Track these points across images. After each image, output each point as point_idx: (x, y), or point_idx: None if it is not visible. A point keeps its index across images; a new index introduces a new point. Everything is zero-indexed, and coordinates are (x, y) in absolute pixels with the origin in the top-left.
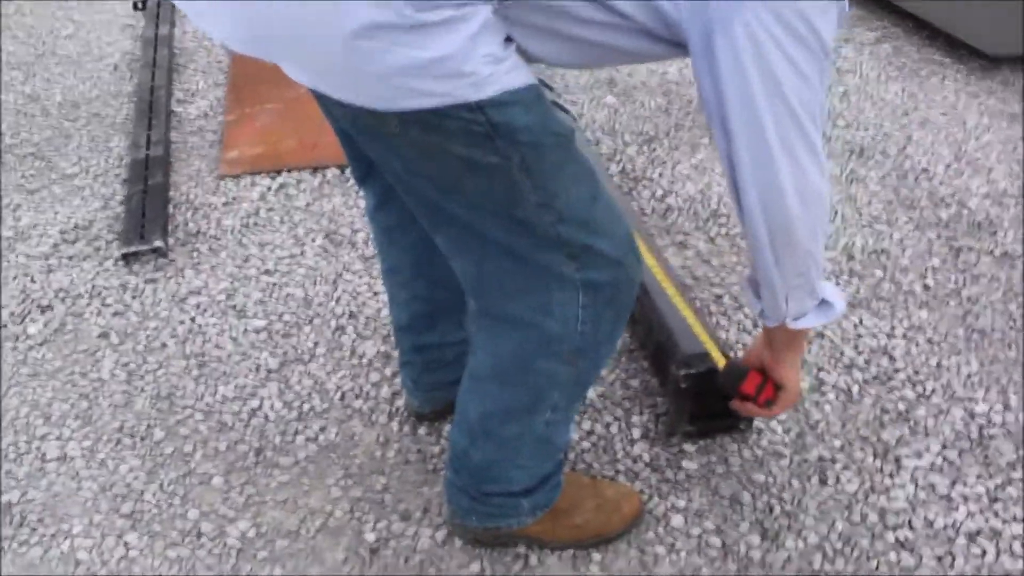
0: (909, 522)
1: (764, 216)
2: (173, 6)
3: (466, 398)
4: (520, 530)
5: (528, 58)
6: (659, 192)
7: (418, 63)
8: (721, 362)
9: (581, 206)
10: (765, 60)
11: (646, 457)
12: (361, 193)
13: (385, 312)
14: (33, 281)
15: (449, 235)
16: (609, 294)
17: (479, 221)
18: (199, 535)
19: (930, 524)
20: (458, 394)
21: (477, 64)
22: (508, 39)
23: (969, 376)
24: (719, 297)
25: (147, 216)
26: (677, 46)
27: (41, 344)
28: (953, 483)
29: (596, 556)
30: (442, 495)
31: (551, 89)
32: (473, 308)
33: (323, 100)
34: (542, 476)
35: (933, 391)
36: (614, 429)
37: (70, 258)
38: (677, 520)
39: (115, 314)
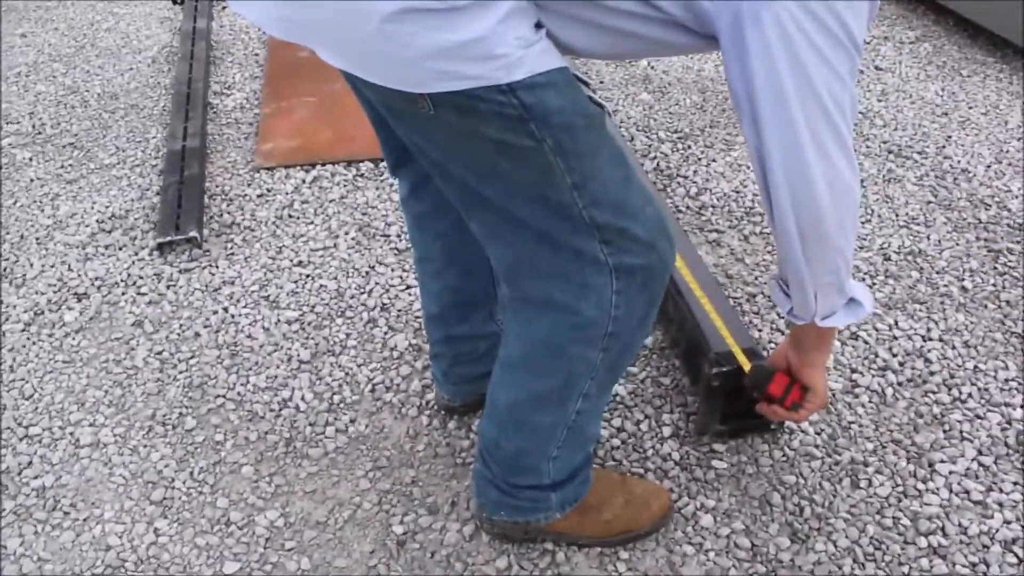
0: (942, 528)
1: (794, 211)
2: (211, 1)
3: (497, 388)
4: (548, 525)
5: (558, 48)
6: (693, 190)
7: (449, 45)
8: (747, 365)
9: (615, 189)
10: (795, 55)
11: (676, 456)
12: (394, 182)
13: (417, 305)
14: (70, 269)
15: (484, 220)
16: (642, 278)
17: (514, 205)
18: (228, 523)
19: (964, 531)
20: (489, 385)
21: (508, 46)
22: (538, 24)
23: (1007, 381)
24: (752, 296)
25: (183, 207)
26: (709, 39)
27: (77, 332)
28: (988, 489)
29: (624, 554)
30: (470, 489)
31: (587, 84)
32: (506, 294)
33: (357, 84)
34: (572, 469)
35: (969, 395)
36: (644, 427)
37: (106, 247)
38: (706, 520)
39: (149, 303)
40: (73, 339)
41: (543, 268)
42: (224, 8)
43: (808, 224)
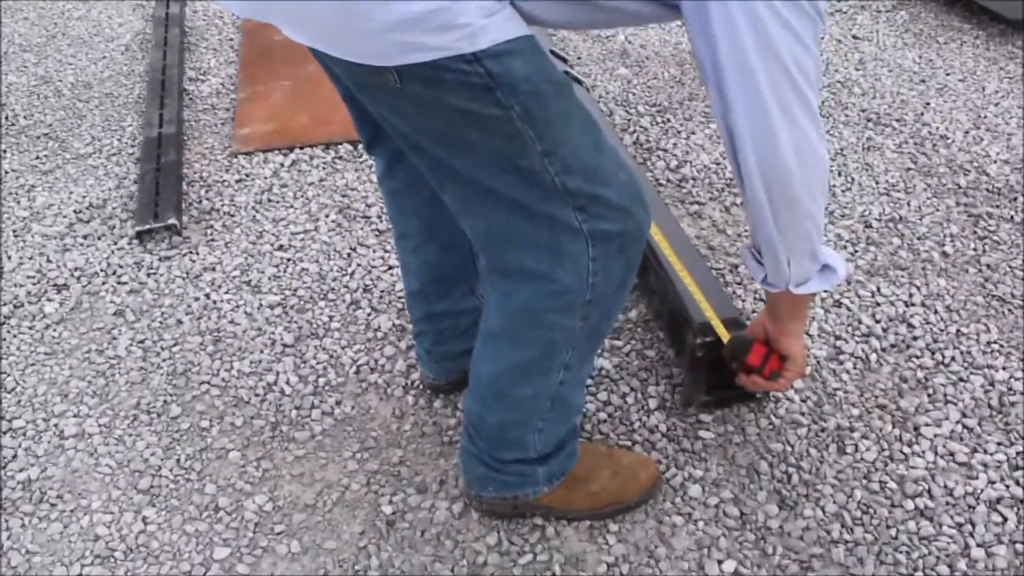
0: (928, 490)
1: (762, 177)
2: None
3: (479, 361)
4: (536, 499)
5: (525, 20)
6: (673, 163)
7: (410, 17)
8: (725, 336)
9: (585, 155)
10: (759, 22)
11: (663, 427)
12: (371, 160)
13: (399, 286)
14: (49, 260)
15: (456, 192)
16: (618, 244)
17: (485, 175)
18: (216, 509)
19: (950, 492)
20: (471, 359)
21: (471, 15)
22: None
23: (989, 343)
24: (735, 267)
25: (161, 194)
26: (673, 9)
27: (57, 323)
28: (973, 451)
29: (613, 526)
30: (458, 467)
31: (564, 60)
32: (484, 266)
33: (325, 60)
34: (558, 441)
35: (952, 359)
36: (631, 400)
37: (85, 237)
38: (694, 490)
39: (130, 292)
40: (54, 331)
41: (518, 237)
42: None
43: (777, 190)
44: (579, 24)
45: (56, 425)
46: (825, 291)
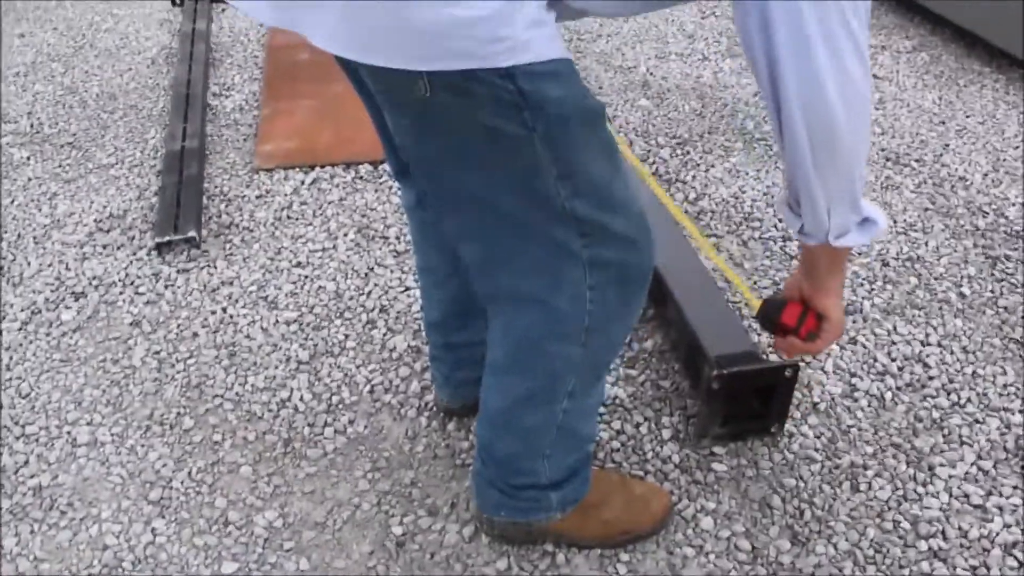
0: (943, 532)
1: (805, 120)
2: (210, 3)
3: (487, 392)
4: (549, 525)
5: (571, 12)
6: (692, 195)
7: (455, 22)
8: (755, 303)
9: (600, 183)
10: None
11: (676, 459)
12: (398, 188)
13: (416, 307)
14: (68, 268)
15: (461, 213)
16: (617, 274)
17: (494, 195)
18: (226, 523)
19: (964, 534)
20: (481, 389)
21: (516, 28)
22: (550, 6)
23: (1005, 386)
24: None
25: (181, 207)
26: None
27: (74, 331)
28: (988, 494)
29: (624, 556)
30: (470, 489)
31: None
32: (482, 296)
33: (354, 72)
34: (569, 469)
35: (968, 400)
36: (644, 430)
37: (104, 247)
38: (706, 522)
39: (147, 303)
40: (70, 338)
41: (518, 262)
42: (224, 10)
43: (820, 133)
44: (631, 11)
45: (69, 432)
46: (863, 247)
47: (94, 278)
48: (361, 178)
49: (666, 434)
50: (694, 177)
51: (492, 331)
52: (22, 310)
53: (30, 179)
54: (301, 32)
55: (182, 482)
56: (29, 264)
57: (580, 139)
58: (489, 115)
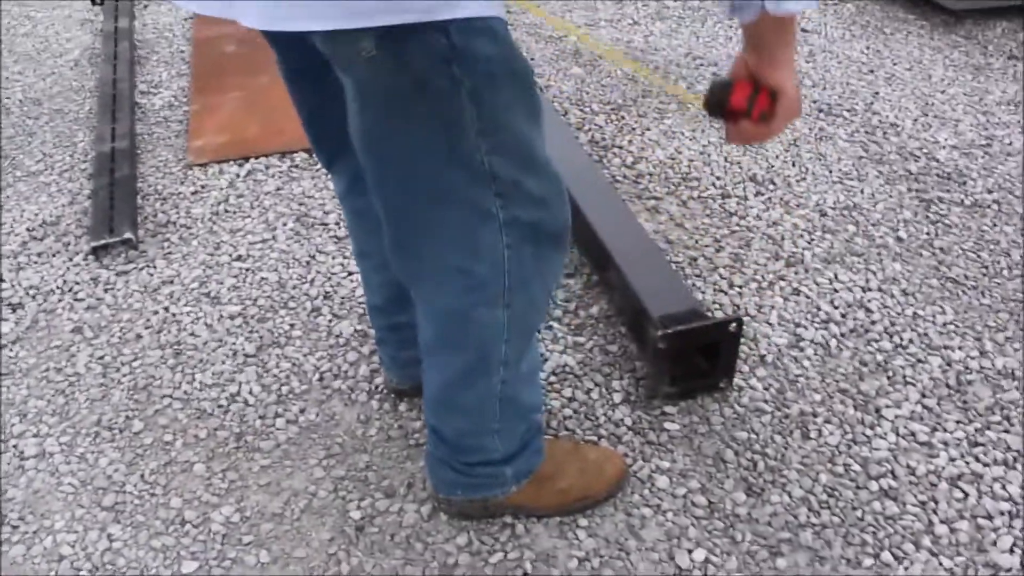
0: (892, 471)
1: None
2: (132, 0)
3: (426, 375)
4: (506, 499)
5: None
6: (629, 159)
7: None
8: (698, 99)
9: (521, 142)
10: None
11: (628, 421)
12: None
13: (360, 291)
14: (2, 280)
15: (388, 186)
16: (532, 232)
17: (420, 157)
18: (183, 523)
19: (912, 471)
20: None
21: None
22: None
23: (945, 324)
24: (694, 259)
25: (115, 209)
26: None
27: (14, 342)
28: (933, 430)
29: (583, 521)
30: (424, 471)
31: None
32: (403, 276)
33: (288, 52)
34: (520, 441)
35: (910, 341)
36: (595, 395)
37: (39, 255)
38: (662, 481)
39: (88, 308)
40: (10, 350)
41: (438, 232)
42: (146, 6)
43: None
44: None
45: (15, 446)
46: (783, 280)
47: (31, 287)
48: (296, 166)
49: (617, 398)
50: (630, 141)
51: (419, 314)
52: None
53: None
54: (239, 18)
55: (135, 485)
56: None
57: (505, 98)
58: (422, 68)
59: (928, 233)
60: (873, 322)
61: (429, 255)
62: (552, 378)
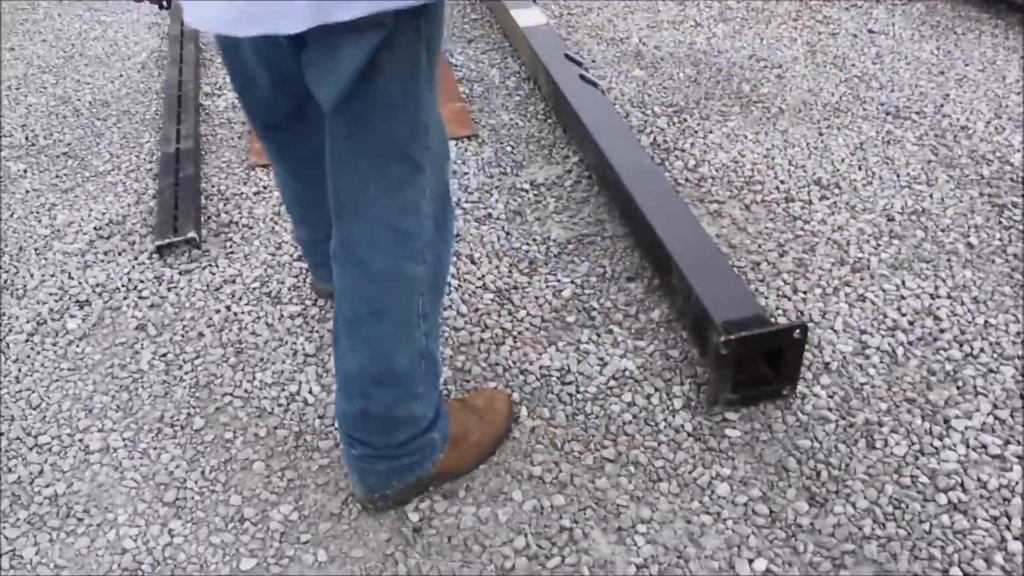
0: (961, 484)
1: None
2: None
3: (345, 359)
4: (435, 471)
5: None
6: (691, 162)
7: None
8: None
9: (433, 99)
10: None
11: (689, 427)
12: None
13: None
14: (70, 277)
15: (349, 141)
16: (436, 185)
17: (388, 116)
18: (242, 520)
19: (984, 485)
20: (336, 367)
21: None
22: None
23: (1018, 334)
24: (757, 264)
25: (179, 208)
26: None
27: (80, 339)
28: (1006, 443)
29: (641, 528)
30: (351, 480)
31: (579, 64)
32: (338, 242)
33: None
34: (436, 404)
35: (981, 350)
36: (655, 400)
37: (106, 253)
38: (722, 488)
39: (151, 306)
40: (77, 346)
41: (379, 188)
42: None
43: None
44: None
45: (81, 440)
46: (848, 286)
47: (97, 285)
48: None
49: (678, 403)
50: (692, 144)
51: (342, 286)
52: (27, 322)
53: (28, 191)
54: (275, 30)
55: (196, 482)
56: (32, 276)
57: (436, 55)
58: (404, 29)
59: (1001, 239)
60: (942, 330)
61: (367, 215)
62: (612, 382)
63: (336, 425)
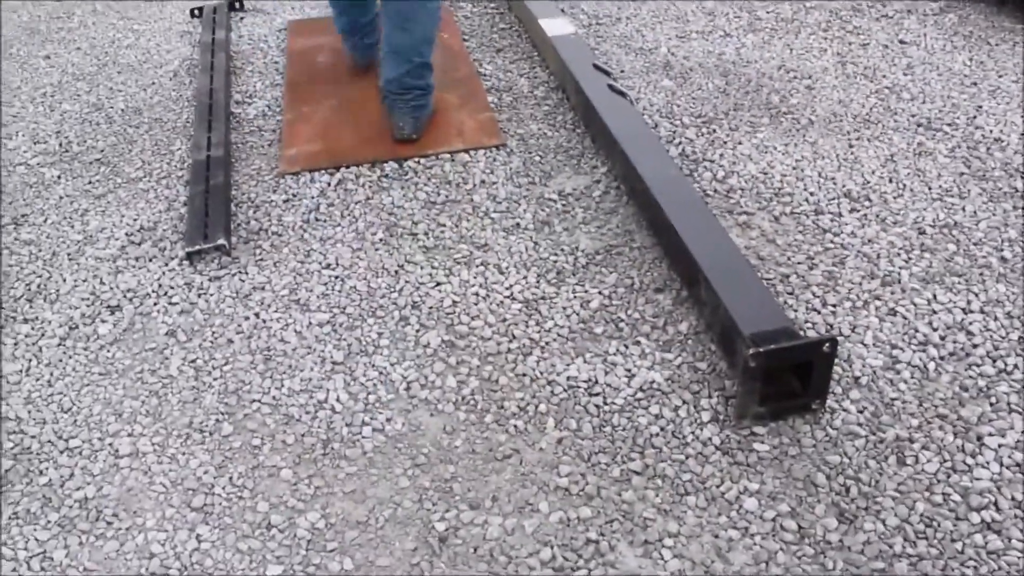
0: (995, 503)
1: None
2: (229, 12)
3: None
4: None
5: None
6: (720, 173)
7: None
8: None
9: None
10: None
11: (716, 440)
12: (416, 179)
13: (448, 302)
14: (102, 283)
15: None
16: None
17: None
18: (269, 527)
19: (1018, 504)
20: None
21: None
22: None
23: None
24: (786, 276)
25: (210, 215)
26: None
27: (111, 344)
28: None
29: (668, 542)
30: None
31: (608, 74)
32: None
33: None
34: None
35: (1015, 366)
36: (683, 412)
37: (137, 259)
38: (750, 503)
39: (181, 312)
40: (108, 351)
41: None
42: (242, 18)
43: None
44: None
45: (111, 444)
46: (878, 299)
47: (128, 291)
48: (387, 176)
49: (705, 416)
50: (721, 156)
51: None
52: (60, 326)
53: (61, 197)
54: None
55: (224, 488)
56: (64, 280)
57: None
58: None
59: None
60: (975, 345)
61: None
62: (640, 394)
63: (384, 88)
